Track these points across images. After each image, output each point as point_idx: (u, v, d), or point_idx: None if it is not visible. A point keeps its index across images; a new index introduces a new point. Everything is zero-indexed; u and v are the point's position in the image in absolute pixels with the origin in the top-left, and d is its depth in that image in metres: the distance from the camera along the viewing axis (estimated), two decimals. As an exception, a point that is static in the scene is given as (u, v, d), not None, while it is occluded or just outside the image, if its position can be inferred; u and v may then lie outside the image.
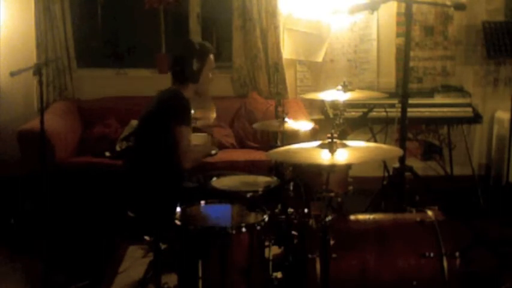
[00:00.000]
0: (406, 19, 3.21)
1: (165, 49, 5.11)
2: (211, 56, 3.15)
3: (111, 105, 4.72)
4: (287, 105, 3.53)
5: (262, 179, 2.94)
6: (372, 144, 2.36)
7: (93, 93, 4.87)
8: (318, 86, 4.89)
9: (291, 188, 2.88)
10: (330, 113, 4.61)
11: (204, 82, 3.14)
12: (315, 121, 4.34)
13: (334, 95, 3.14)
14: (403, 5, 4.41)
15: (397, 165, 3.35)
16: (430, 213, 2.52)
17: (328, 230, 2.18)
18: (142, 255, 3.59)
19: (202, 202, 2.58)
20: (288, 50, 4.93)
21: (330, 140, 2.11)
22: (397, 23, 4.93)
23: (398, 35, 4.93)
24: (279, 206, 2.74)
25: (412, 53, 4.57)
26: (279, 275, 2.50)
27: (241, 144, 4.66)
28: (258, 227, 2.35)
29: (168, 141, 2.91)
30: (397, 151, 2.38)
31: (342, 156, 2.07)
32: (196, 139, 3.36)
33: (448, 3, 3.60)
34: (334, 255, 2.27)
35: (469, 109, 4.66)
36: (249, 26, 4.78)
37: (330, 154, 2.07)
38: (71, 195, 4.04)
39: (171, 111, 2.94)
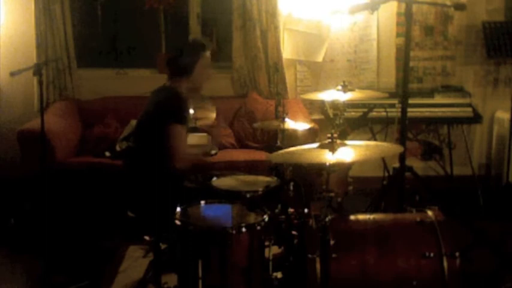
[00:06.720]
0: (406, 19, 3.20)
1: (165, 49, 5.11)
2: (207, 53, 3.11)
3: (111, 105, 4.72)
4: (287, 105, 3.53)
5: (262, 179, 2.93)
6: (371, 143, 2.35)
7: (93, 93, 4.87)
8: (318, 86, 4.89)
9: (291, 188, 2.88)
10: (330, 113, 4.59)
11: (198, 78, 3.11)
12: (315, 121, 4.36)
13: (334, 95, 3.13)
14: (403, 5, 4.42)
15: (397, 165, 3.35)
16: (430, 213, 2.52)
17: (328, 230, 2.18)
18: (143, 255, 3.59)
19: (202, 202, 2.59)
20: (288, 50, 4.93)
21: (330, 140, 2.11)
22: (397, 23, 4.93)
23: (398, 35, 4.93)
24: (279, 206, 2.74)
25: (412, 53, 4.56)
26: (279, 275, 2.49)
27: (241, 144, 4.65)
28: (258, 227, 2.36)
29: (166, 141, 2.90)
30: (397, 148, 2.37)
31: (343, 154, 2.07)
32: (196, 139, 3.36)
33: (448, 3, 3.61)
34: (334, 255, 2.27)
35: (469, 109, 4.65)
36: (249, 26, 4.78)
37: (331, 153, 2.07)
38: (71, 196, 4.04)
39: (167, 111, 2.94)
